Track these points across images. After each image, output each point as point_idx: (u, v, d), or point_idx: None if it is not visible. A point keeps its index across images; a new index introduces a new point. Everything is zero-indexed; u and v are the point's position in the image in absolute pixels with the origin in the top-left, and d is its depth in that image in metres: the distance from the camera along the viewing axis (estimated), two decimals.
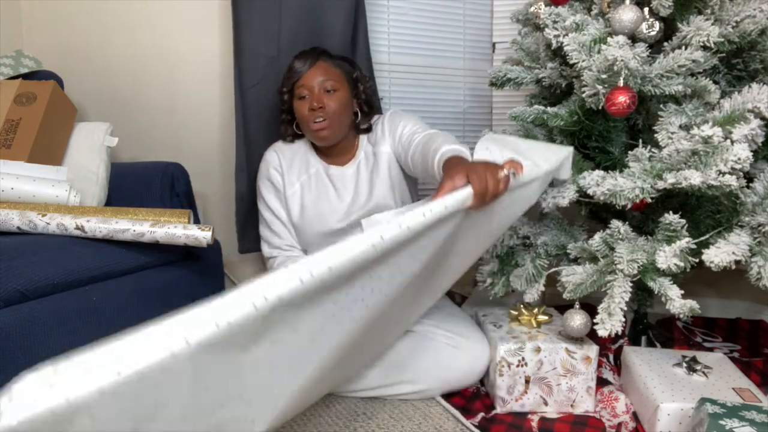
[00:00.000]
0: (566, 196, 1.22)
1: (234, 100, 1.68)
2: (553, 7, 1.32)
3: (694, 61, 1.15)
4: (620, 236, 1.21)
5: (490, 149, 1.16)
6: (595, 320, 1.13)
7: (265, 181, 1.46)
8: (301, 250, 1.46)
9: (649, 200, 1.16)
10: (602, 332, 1.10)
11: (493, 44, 2.05)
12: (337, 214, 1.41)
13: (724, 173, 1.03)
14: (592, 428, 1.19)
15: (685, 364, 1.21)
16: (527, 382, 1.25)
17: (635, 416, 1.21)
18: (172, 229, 1.26)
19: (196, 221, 1.58)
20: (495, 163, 0.98)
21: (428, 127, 1.39)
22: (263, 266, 1.45)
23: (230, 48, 1.69)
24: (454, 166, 1.01)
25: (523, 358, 1.24)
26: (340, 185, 1.43)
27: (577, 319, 1.23)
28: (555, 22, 1.29)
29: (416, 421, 1.18)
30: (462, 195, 0.91)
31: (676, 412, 1.09)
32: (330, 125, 1.35)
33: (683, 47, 1.18)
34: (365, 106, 1.46)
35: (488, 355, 1.28)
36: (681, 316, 1.09)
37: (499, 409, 1.25)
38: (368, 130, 1.46)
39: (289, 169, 1.45)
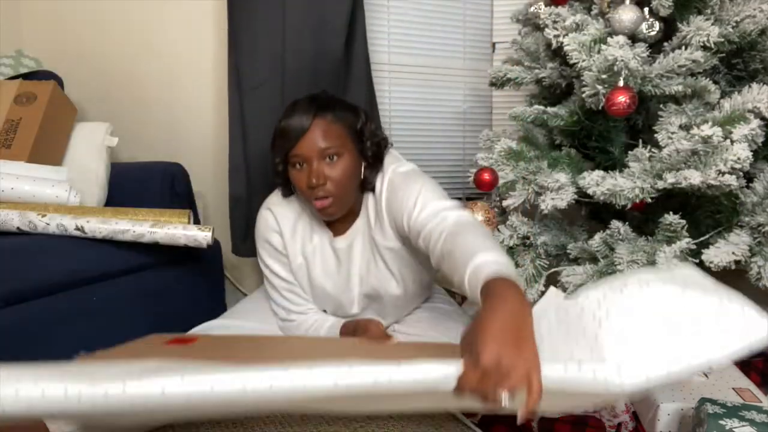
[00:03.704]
0: (564, 199, 1.22)
1: (228, 101, 1.67)
2: (553, 7, 1.32)
3: (694, 61, 1.16)
4: (620, 236, 1.21)
5: (554, 320, 0.76)
6: None
7: (264, 243, 1.25)
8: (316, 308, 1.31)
9: (649, 200, 1.16)
10: None
11: (493, 44, 2.05)
12: (348, 300, 1.26)
13: (723, 173, 1.03)
14: (592, 428, 1.18)
15: None
16: None
17: (635, 416, 1.21)
18: (172, 229, 1.26)
19: (196, 221, 1.58)
20: (526, 365, 0.62)
21: (432, 191, 1.09)
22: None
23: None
24: (484, 327, 0.65)
25: None
26: (347, 262, 1.23)
27: None
28: (555, 22, 1.29)
29: (416, 421, 1.18)
30: (441, 373, 0.64)
31: (676, 412, 1.08)
32: (334, 202, 1.11)
33: (683, 47, 1.18)
34: (372, 159, 1.17)
35: None
36: None
37: None
38: (374, 188, 1.19)
39: (292, 238, 1.24)
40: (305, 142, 1.09)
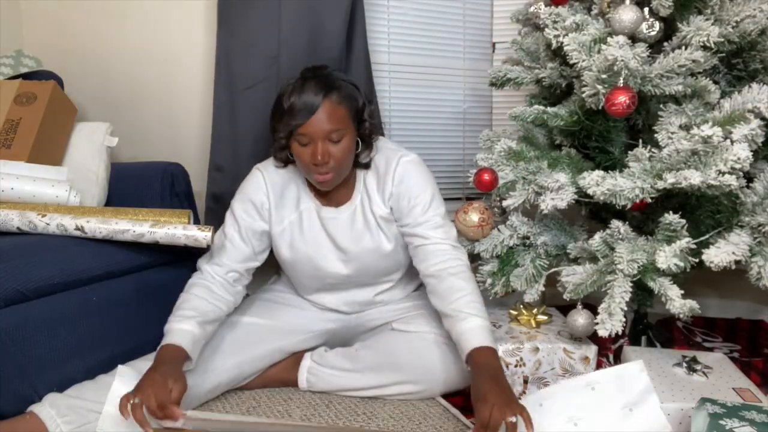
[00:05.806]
0: (564, 199, 1.22)
1: (213, 100, 1.66)
2: (553, 7, 1.32)
3: (694, 61, 1.15)
4: (620, 236, 1.21)
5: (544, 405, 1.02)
6: (595, 320, 1.13)
7: (247, 201, 1.30)
8: (239, 275, 1.29)
9: (649, 200, 1.16)
10: (603, 332, 1.10)
11: (493, 44, 2.05)
12: (330, 263, 1.32)
13: (724, 173, 1.03)
14: None
15: (685, 364, 1.21)
16: (525, 382, 1.25)
17: None
18: (172, 229, 1.26)
19: (196, 221, 1.58)
20: (514, 402, 0.95)
21: (437, 208, 1.27)
22: (264, 272, 1.42)
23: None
24: (484, 391, 0.98)
25: (521, 358, 1.24)
26: (333, 230, 1.30)
27: (580, 319, 1.23)
28: (555, 22, 1.29)
29: (416, 421, 1.18)
30: None
31: (676, 412, 1.08)
32: (333, 177, 1.21)
33: (683, 47, 1.18)
34: (367, 138, 1.28)
35: None
36: (681, 316, 1.09)
37: None
38: (367, 165, 1.30)
39: (279, 203, 1.31)
40: (313, 122, 1.16)
